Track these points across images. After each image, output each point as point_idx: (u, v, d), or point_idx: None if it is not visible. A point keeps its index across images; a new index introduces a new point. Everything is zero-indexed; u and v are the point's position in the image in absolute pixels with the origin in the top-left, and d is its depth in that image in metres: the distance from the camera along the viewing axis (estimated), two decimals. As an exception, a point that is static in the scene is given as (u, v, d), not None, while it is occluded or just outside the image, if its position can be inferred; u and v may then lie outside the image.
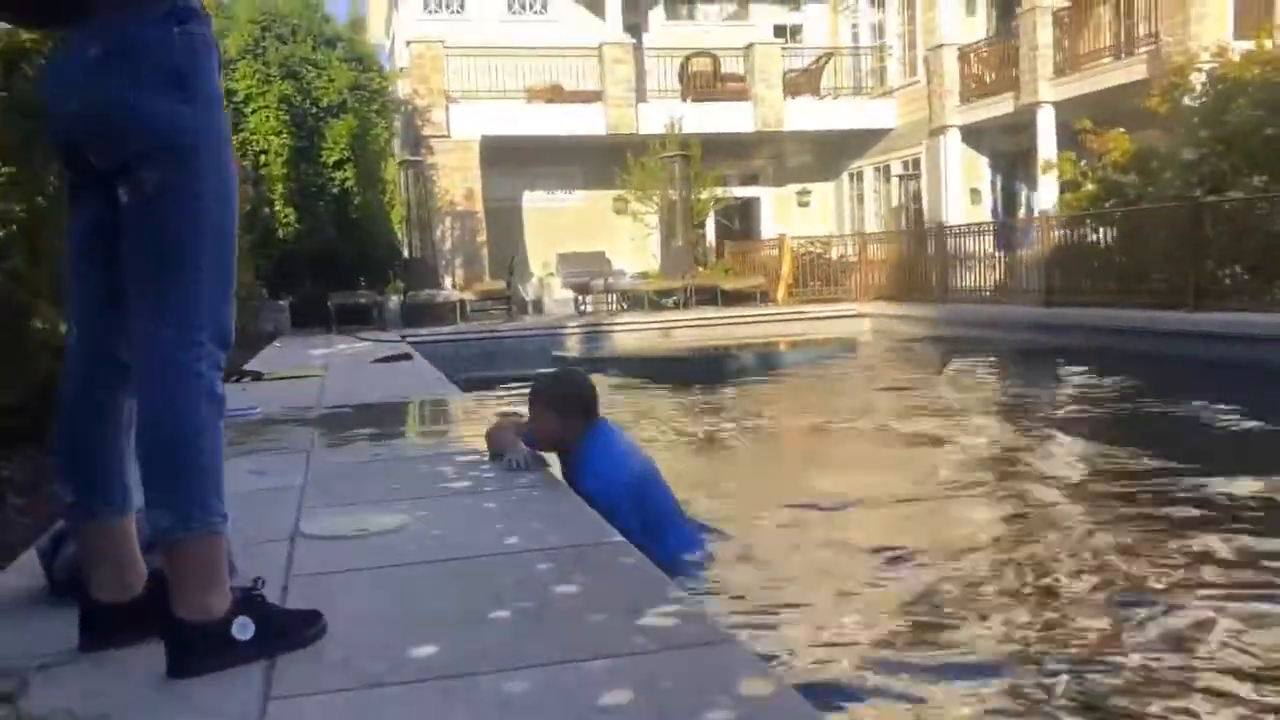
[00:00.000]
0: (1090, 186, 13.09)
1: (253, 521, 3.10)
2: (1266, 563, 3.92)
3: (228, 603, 1.95)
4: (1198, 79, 12.53)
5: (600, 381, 5.25)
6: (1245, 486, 5.12)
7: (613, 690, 1.75)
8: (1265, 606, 3.47)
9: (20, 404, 4.26)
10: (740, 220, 22.60)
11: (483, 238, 19.61)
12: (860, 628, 3.45)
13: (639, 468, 3.63)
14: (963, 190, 19.53)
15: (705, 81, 20.45)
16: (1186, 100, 12.55)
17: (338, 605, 2.27)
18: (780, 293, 17.30)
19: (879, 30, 22.11)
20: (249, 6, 17.49)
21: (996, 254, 14.98)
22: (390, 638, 2.06)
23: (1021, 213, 19.31)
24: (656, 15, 22.43)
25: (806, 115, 20.83)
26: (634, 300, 17.74)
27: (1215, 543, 4.19)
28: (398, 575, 2.51)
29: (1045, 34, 16.86)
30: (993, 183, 20.12)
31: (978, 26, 20.24)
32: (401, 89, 19.79)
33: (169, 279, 1.92)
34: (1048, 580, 3.95)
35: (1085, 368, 10.14)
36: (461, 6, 21.16)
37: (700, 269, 18.55)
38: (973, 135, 19.39)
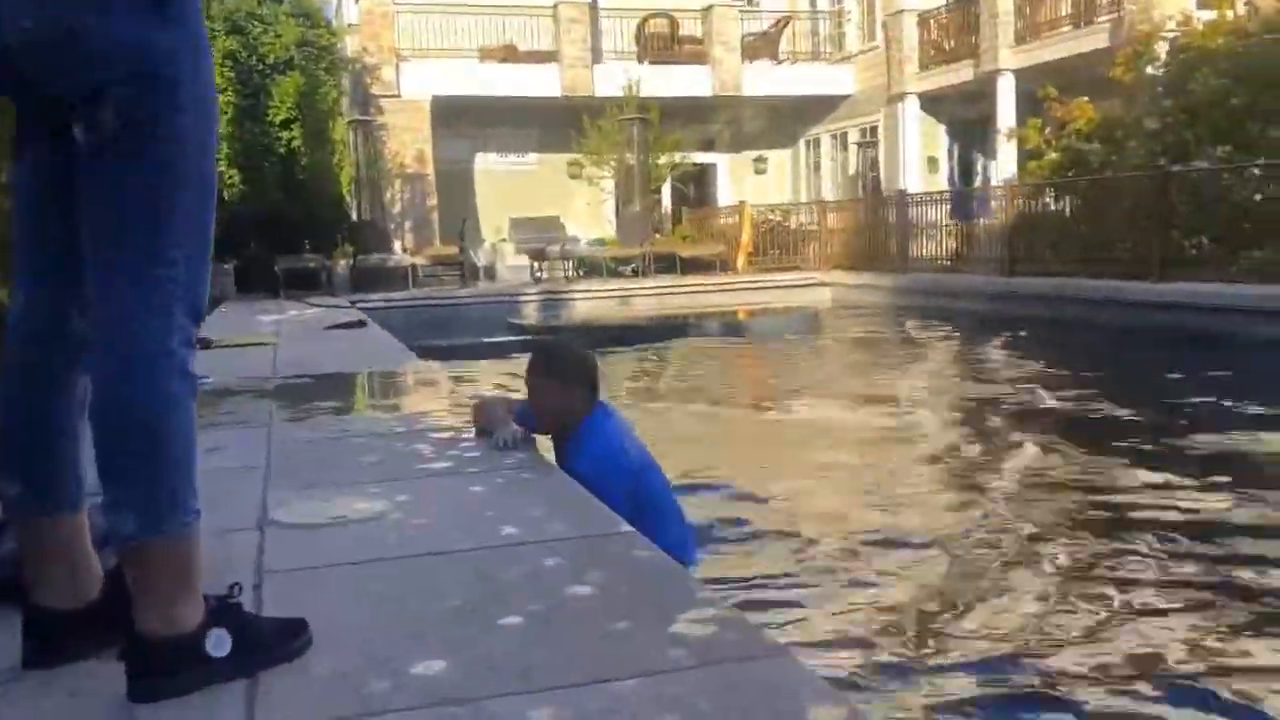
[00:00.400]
0: (1054, 155, 13.00)
1: (216, 506, 2.79)
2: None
3: (200, 613, 1.67)
4: (1161, 48, 12.48)
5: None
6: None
7: None
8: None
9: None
10: (695, 187, 22.33)
11: (434, 201, 19.18)
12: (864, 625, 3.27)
13: (641, 456, 3.37)
14: (920, 158, 19.42)
15: (663, 43, 20.09)
16: (1150, 69, 12.50)
17: (322, 608, 2.01)
18: (740, 261, 17.08)
19: (838, -7, 21.87)
20: (191, -44, 16.78)
21: (957, 223, 14.87)
22: (386, 649, 1.80)
23: (978, 182, 19.26)
24: (613, -27, 21.98)
25: (764, 80, 20.56)
26: (591, 267, 17.44)
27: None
28: (384, 572, 2.25)
29: (1007, 0, 16.73)
30: (950, 151, 20.02)
31: (938, -8, 20.08)
32: (350, 46, 19.19)
33: (137, 237, 1.61)
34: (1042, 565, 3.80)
35: (1046, 339, 10.09)
36: (412, -39, 20.55)
37: (658, 236, 18.27)
38: (931, 103, 19.25)
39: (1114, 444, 5.59)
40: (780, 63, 21.09)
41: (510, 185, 20.58)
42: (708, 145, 22.49)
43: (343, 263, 16.73)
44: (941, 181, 19.47)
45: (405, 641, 1.83)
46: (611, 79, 19.01)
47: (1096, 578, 3.64)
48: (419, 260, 16.87)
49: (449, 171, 19.70)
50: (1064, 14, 15.99)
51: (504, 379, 9.44)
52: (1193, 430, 5.84)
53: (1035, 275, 12.32)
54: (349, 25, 19.50)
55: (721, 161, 22.81)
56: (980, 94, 17.71)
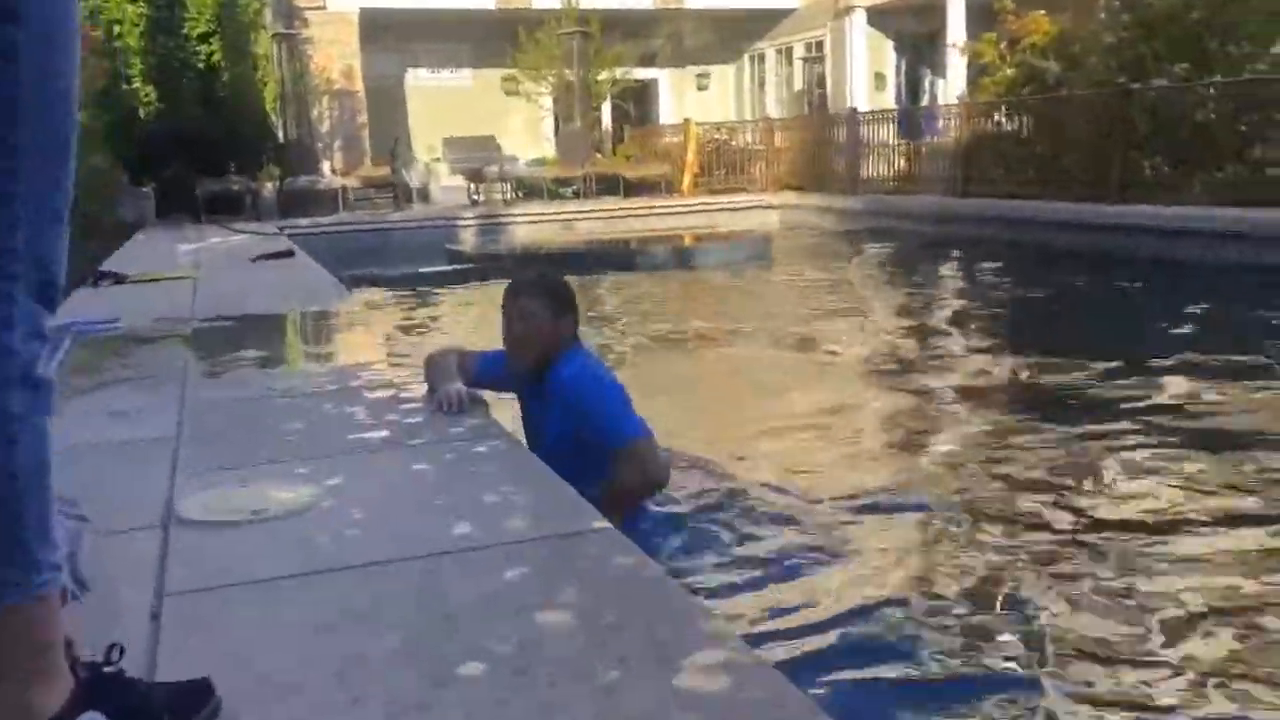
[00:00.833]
0: (1009, 71, 12.63)
1: (112, 495, 2.39)
2: None
3: (66, 693, 1.27)
4: (1120, -41, 12.08)
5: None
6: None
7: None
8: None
9: None
10: (637, 105, 21.66)
11: (363, 119, 18.41)
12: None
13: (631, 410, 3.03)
14: (868, 75, 18.96)
15: (602, -48, 19.23)
16: (1107, -19, 12.11)
17: (233, 647, 1.61)
18: (686, 182, 16.56)
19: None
20: None
21: (909, 143, 14.49)
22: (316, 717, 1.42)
23: (925, 100, 18.87)
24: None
25: (708, -9, 19.87)
26: (530, 189, 16.83)
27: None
28: (313, 592, 1.84)
29: (959, -91, 16.20)
30: (898, 67, 19.59)
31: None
32: (271, -46, 18.12)
33: None
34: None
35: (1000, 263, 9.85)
36: None
37: (599, 156, 17.67)
38: (879, 17, 18.74)
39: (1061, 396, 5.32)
40: (724, -28, 20.39)
41: (443, 103, 19.74)
42: (649, 60, 21.74)
43: (269, 185, 15.95)
44: (889, 99, 19.05)
45: (338, 708, 1.44)
46: (549, -11, 18.21)
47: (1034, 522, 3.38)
48: (349, 182, 16.14)
49: (378, 89, 18.86)
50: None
51: (446, 316, 8.98)
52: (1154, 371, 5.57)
53: (990, 197, 12.01)
54: (270, -69, 18.40)
55: (663, 78, 22.14)
56: (930, 7, 17.24)
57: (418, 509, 2.25)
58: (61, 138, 1.23)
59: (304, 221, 13.49)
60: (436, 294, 9.99)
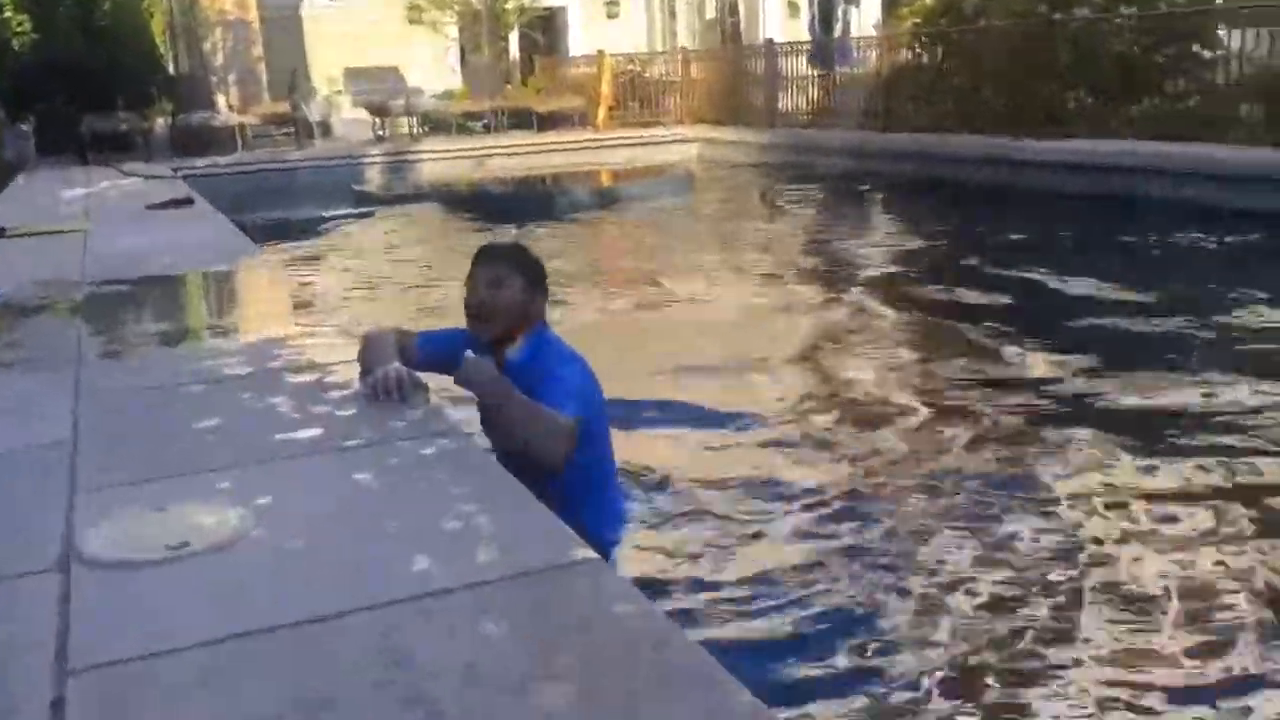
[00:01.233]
0: (927, 1, 12.42)
1: (-2, 525, 2.05)
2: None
3: None
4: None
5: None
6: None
7: None
8: None
9: None
10: (545, 34, 20.98)
11: (259, 51, 17.53)
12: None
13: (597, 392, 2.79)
14: (781, 3, 18.59)
15: None
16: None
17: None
18: (600, 115, 16.07)
19: None
20: None
21: (827, 74, 14.23)
22: None
23: (839, 29, 18.59)
24: None
25: (616, -87, 19.22)
26: (438, 123, 16.20)
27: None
28: (250, 663, 1.54)
29: None
30: (811, -4, 19.22)
31: None
32: None
33: None
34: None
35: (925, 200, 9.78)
36: None
37: (509, 88, 17.08)
38: (793, -58, 18.35)
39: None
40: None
41: (343, 32, 18.83)
42: (558, -13, 21.08)
43: (160, 122, 15.07)
44: (802, 29, 18.70)
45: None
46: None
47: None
48: (247, 119, 15.32)
49: (274, 19, 17.94)
50: None
51: (361, 269, 8.54)
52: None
53: (909, 131, 11.85)
54: None
55: (572, 5, 21.45)
56: (844, -68, 16.89)
57: (365, 537, 1.95)
58: None
59: (200, 162, 12.78)
60: (346, 240, 9.52)
